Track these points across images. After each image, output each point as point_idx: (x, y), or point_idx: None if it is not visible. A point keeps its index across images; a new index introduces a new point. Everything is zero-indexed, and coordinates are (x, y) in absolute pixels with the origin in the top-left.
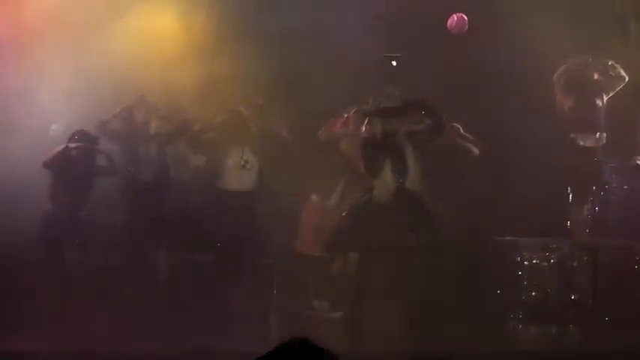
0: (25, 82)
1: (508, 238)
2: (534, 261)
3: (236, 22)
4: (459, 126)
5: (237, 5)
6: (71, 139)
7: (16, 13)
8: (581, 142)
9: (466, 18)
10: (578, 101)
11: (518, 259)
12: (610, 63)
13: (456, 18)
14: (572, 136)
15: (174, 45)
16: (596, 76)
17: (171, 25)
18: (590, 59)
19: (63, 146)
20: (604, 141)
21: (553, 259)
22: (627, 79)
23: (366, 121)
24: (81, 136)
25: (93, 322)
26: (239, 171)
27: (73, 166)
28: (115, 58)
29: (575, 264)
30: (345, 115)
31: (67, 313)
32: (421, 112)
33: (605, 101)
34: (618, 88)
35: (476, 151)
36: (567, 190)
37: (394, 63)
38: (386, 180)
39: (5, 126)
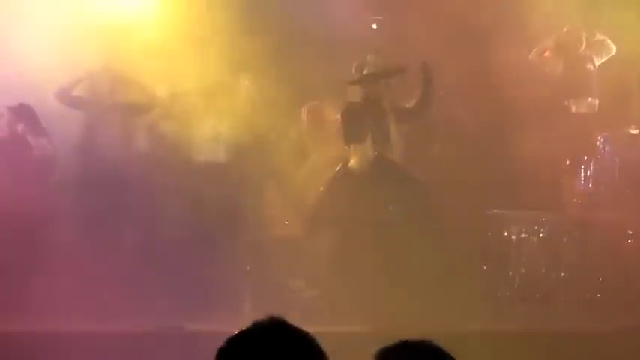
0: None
1: (496, 211)
2: (522, 235)
3: None
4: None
5: None
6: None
7: None
8: (574, 108)
9: None
10: (569, 66)
11: (506, 233)
12: (598, 34)
13: None
14: (565, 103)
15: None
16: (584, 44)
17: None
18: (583, 34)
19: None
20: (596, 108)
21: (542, 233)
22: (614, 50)
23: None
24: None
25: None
26: (211, 143)
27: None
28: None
29: (565, 239)
30: None
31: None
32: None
33: (596, 67)
34: (606, 58)
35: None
36: (559, 160)
37: (374, 26)
38: (365, 149)
39: None
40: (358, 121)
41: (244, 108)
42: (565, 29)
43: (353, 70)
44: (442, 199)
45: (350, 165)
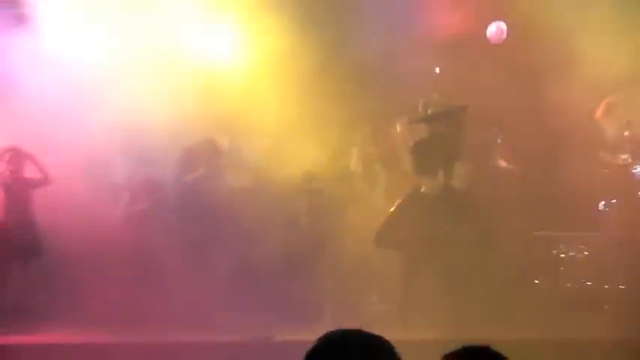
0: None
1: (544, 232)
2: (570, 253)
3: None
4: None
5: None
6: None
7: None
8: (610, 159)
9: (504, 27)
10: (612, 128)
11: (555, 251)
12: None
13: (495, 28)
14: (601, 154)
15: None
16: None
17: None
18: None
19: None
20: (629, 161)
21: (586, 251)
22: None
23: (415, 127)
24: None
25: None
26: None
27: None
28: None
29: (606, 256)
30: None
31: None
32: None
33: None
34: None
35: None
36: (599, 189)
37: (437, 70)
38: (434, 179)
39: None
40: (426, 155)
41: (328, 144)
42: (617, 96)
43: (419, 108)
44: (499, 223)
45: (420, 191)
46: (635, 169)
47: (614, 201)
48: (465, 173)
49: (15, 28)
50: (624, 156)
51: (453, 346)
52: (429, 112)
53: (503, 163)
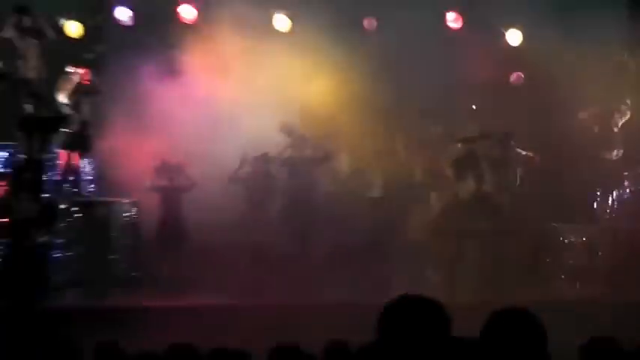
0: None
1: (554, 224)
2: (572, 239)
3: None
4: (520, 150)
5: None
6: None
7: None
8: (607, 155)
9: (522, 75)
10: (603, 128)
11: (561, 238)
12: (623, 106)
13: (515, 75)
14: (598, 153)
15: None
16: (614, 114)
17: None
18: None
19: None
20: (620, 155)
21: (584, 237)
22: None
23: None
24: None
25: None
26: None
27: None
28: (286, 98)
29: (599, 242)
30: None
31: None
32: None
33: (619, 128)
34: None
35: (535, 159)
36: (594, 190)
37: (474, 107)
38: (468, 185)
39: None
40: (463, 168)
41: (396, 161)
42: (603, 103)
43: (456, 131)
44: (520, 216)
45: (459, 195)
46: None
47: (608, 196)
48: (492, 180)
49: (170, 77)
50: (615, 152)
51: (487, 308)
52: (465, 134)
53: (521, 172)
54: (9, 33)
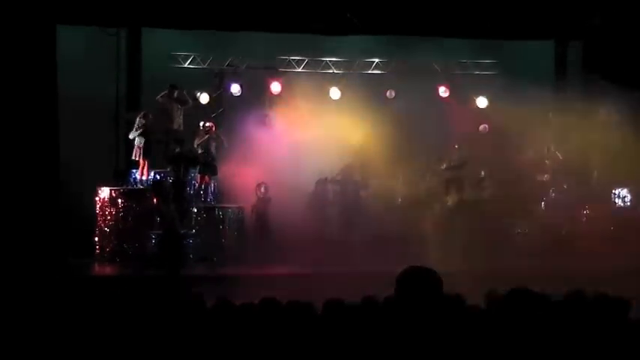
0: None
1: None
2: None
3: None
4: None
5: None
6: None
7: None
8: (539, 179)
9: (487, 126)
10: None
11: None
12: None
13: (482, 126)
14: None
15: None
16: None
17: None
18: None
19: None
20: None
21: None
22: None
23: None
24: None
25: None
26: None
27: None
28: (339, 142)
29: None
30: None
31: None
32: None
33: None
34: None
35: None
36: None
37: (456, 146)
38: (452, 197)
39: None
40: (449, 184)
41: (412, 179)
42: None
43: (445, 161)
44: (493, 214)
45: (450, 201)
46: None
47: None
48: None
49: (264, 128)
50: (545, 176)
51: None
52: (452, 164)
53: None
54: (163, 100)
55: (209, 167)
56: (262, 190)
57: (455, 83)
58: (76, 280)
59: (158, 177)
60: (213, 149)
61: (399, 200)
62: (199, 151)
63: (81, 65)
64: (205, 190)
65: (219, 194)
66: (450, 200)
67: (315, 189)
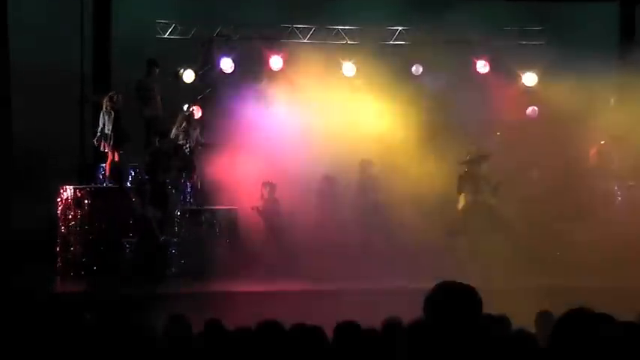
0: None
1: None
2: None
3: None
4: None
5: None
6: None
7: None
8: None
9: (536, 109)
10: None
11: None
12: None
13: (531, 109)
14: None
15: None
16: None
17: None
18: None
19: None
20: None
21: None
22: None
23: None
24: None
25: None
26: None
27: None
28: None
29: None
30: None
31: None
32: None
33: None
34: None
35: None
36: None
37: (498, 133)
38: (468, 196)
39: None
40: (465, 183)
41: (432, 176)
42: (603, 142)
43: (466, 154)
44: (515, 221)
45: (461, 203)
46: None
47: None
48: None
49: (260, 113)
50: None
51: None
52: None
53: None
54: (142, 81)
55: (188, 163)
56: (268, 190)
57: (496, 56)
58: (28, 300)
59: (133, 172)
60: (192, 141)
61: (428, 202)
62: (180, 143)
63: (38, 33)
64: (193, 190)
65: (206, 194)
66: (463, 201)
67: (322, 186)
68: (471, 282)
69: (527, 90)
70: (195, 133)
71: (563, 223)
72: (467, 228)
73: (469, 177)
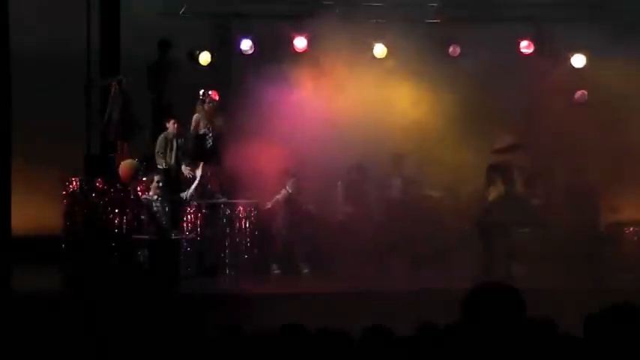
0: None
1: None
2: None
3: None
4: None
5: None
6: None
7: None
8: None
9: (586, 93)
10: None
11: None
12: None
13: (580, 93)
14: None
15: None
16: None
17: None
18: None
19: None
20: None
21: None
22: None
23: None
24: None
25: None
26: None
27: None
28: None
29: None
30: None
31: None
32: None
33: None
34: None
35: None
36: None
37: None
38: (500, 187)
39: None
40: (496, 173)
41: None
42: None
43: (495, 144)
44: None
45: (491, 195)
46: None
47: None
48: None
49: (282, 91)
50: None
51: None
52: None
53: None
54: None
55: (211, 153)
56: (292, 182)
57: (542, 35)
58: (30, 303)
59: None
60: (217, 127)
61: (464, 196)
62: (201, 132)
63: (40, 11)
64: (212, 182)
65: (224, 187)
66: (494, 192)
67: (350, 178)
68: (514, 283)
69: (576, 72)
70: (218, 122)
71: (614, 217)
72: (498, 223)
73: (500, 167)
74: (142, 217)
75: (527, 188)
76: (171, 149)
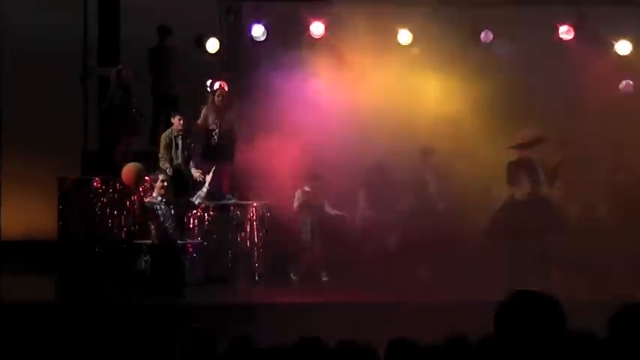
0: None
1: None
2: None
3: None
4: None
5: None
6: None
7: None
8: None
9: (632, 83)
10: None
11: None
12: None
13: (625, 83)
14: None
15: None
16: None
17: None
18: None
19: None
20: None
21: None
22: None
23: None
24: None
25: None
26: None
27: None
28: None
29: None
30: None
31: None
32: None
33: None
34: None
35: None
36: None
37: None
38: (523, 187)
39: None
40: (518, 172)
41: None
42: None
43: (517, 139)
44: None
45: (514, 197)
46: None
47: None
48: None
49: (297, 81)
50: None
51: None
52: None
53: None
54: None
55: (222, 150)
56: (309, 182)
57: (583, 19)
58: (20, 314)
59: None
60: (227, 121)
61: (499, 197)
62: (210, 127)
63: None
64: (222, 182)
65: (234, 187)
66: (517, 193)
67: (372, 178)
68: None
69: (621, 60)
70: (229, 116)
71: None
72: (521, 227)
73: (522, 165)
74: (151, 225)
75: (553, 187)
76: (176, 148)
